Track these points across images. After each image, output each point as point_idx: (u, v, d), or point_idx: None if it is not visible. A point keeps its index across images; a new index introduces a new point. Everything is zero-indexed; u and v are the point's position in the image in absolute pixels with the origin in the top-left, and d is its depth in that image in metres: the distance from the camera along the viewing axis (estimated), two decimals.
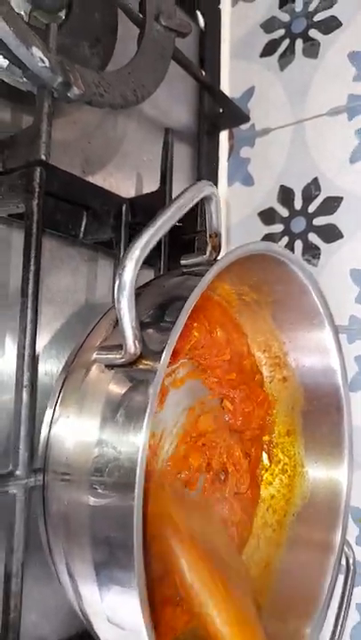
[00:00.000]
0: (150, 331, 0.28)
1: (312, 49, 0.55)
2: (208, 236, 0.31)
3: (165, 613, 0.35)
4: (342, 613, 0.42)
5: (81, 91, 0.30)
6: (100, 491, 0.26)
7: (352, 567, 0.43)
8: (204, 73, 0.53)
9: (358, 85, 0.52)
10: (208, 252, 0.32)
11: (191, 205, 0.28)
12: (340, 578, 0.42)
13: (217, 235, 0.31)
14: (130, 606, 0.25)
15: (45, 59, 0.28)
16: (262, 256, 0.36)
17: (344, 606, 0.42)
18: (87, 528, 0.27)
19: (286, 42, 0.57)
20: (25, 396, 0.29)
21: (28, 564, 0.33)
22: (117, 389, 0.27)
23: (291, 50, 0.57)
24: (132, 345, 0.25)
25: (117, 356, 0.26)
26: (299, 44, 0.56)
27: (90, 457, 0.27)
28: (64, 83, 0.29)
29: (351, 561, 0.43)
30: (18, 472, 0.28)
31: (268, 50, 0.58)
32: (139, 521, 0.24)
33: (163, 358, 0.24)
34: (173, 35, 0.38)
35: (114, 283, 0.24)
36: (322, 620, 0.39)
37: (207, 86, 0.50)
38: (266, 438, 0.48)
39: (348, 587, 0.42)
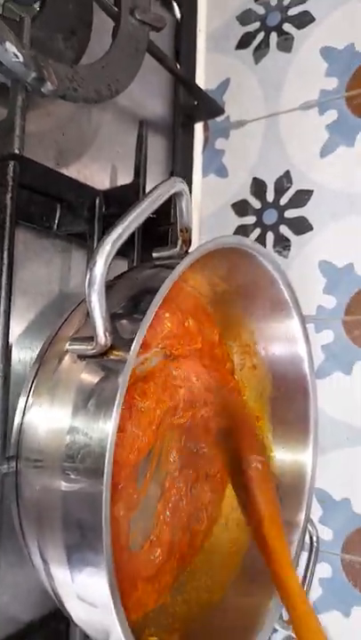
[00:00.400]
0: (122, 322, 0.29)
1: (286, 43, 0.56)
2: (179, 230, 0.32)
3: (137, 589, 0.36)
4: (306, 586, 0.44)
5: (54, 86, 0.30)
6: (71, 476, 0.27)
7: (315, 544, 0.45)
8: (179, 65, 0.54)
9: (330, 80, 0.53)
10: (179, 246, 0.33)
11: (162, 201, 0.29)
12: (304, 555, 0.44)
13: (187, 229, 0.32)
14: (99, 586, 0.26)
15: (19, 54, 0.29)
16: (233, 249, 0.37)
17: (308, 580, 0.44)
18: (59, 512, 0.28)
19: (261, 35, 0.58)
20: None
21: (1, 549, 0.35)
22: (89, 379, 0.28)
23: (266, 43, 0.57)
24: (102, 337, 0.26)
25: (89, 347, 0.27)
26: (273, 37, 0.57)
27: (62, 444, 0.28)
28: (37, 78, 0.29)
29: (315, 538, 0.45)
30: None
31: (244, 42, 0.59)
32: (107, 505, 0.25)
33: (132, 349, 0.26)
34: (148, 29, 0.39)
35: (85, 277, 0.25)
36: None
37: (182, 79, 0.51)
38: None
39: (311, 562, 0.45)
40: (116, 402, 0.25)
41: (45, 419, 0.30)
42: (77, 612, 0.30)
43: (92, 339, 0.27)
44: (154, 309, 0.27)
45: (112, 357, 0.26)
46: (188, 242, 0.32)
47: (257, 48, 0.58)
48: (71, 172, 0.42)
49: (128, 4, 0.37)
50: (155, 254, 0.34)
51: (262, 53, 0.57)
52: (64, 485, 0.28)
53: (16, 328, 0.38)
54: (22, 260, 0.38)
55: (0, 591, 0.36)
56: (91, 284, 0.24)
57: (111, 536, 0.26)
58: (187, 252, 0.33)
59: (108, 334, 0.26)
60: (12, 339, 0.37)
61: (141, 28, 0.38)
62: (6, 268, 0.30)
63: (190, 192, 0.56)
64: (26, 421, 0.31)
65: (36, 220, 0.37)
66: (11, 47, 0.28)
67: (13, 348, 0.37)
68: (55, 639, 0.37)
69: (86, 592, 0.28)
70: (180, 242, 0.32)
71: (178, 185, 0.29)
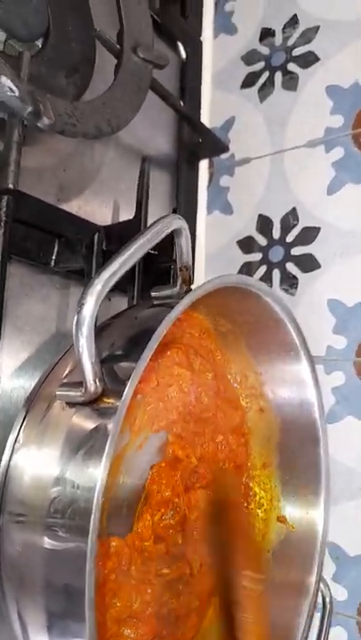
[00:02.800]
0: (118, 364, 0.27)
1: (291, 82, 0.56)
2: (179, 268, 0.30)
3: None
4: None
5: (51, 120, 0.29)
6: (56, 533, 0.25)
7: (328, 606, 0.42)
8: (183, 103, 0.54)
9: (335, 118, 0.52)
10: (179, 285, 0.31)
11: (160, 238, 0.27)
12: (317, 617, 0.41)
13: (187, 268, 0.30)
14: None
15: (15, 88, 0.28)
16: (235, 288, 0.36)
17: None
18: (40, 574, 0.25)
19: (266, 74, 0.58)
20: None
21: None
22: (78, 427, 0.26)
23: (271, 82, 0.57)
24: (91, 383, 0.24)
25: (78, 394, 0.25)
26: (278, 76, 0.57)
27: (48, 497, 0.26)
28: (34, 112, 0.29)
29: (328, 600, 0.42)
30: None
31: (249, 81, 0.59)
32: (92, 566, 0.22)
33: (124, 395, 0.23)
34: (151, 66, 0.39)
35: (73, 318, 0.23)
36: None
37: (186, 116, 0.50)
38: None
39: (324, 626, 0.41)
40: (105, 453, 0.23)
41: (32, 468, 0.28)
42: None
43: (81, 384, 0.25)
44: (149, 353, 0.26)
45: (102, 406, 0.24)
46: (188, 280, 0.31)
47: (262, 87, 0.58)
48: (72, 207, 0.41)
49: (131, 43, 0.37)
50: (153, 293, 0.32)
51: (267, 92, 0.57)
52: (48, 543, 0.25)
53: (9, 367, 0.36)
54: (18, 296, 0.36)
55: None
56: (79, 325, 0.22)
57: (100, 601, 0.23)
58: (187, 291, 0.32)
59: (98, 380, 0.24)
60: (3, 378, 0.36)
61: (144, 65, 0.38)
62: None
63: (195, 229, 0.56)
64: (11, 470, 0.29)
65: (32, 255, 0.36)
66: (6, 81, 0.27)
67: (5, 388, 0.35)
68: None
69: None
70: (179, 280, 0.31)
71: (176, 222, 0.28)
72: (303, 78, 0.55)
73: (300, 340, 0.41)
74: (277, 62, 0.57)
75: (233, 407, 0.45)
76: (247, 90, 0.59)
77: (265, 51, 0.59)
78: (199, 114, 0.57)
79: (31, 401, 0.31)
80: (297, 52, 0.56)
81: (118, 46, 0.38)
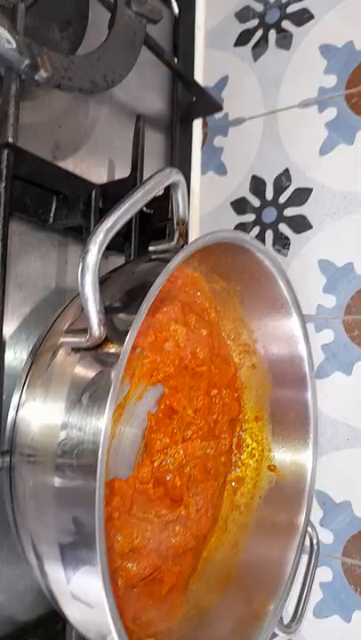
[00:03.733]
0: (117, 315, 0.28)
1: (285, 40, 0.56)
2: (175, 223, 0.31)
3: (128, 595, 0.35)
4: (306, 590, 0.43)
5: (48, 74, 0.30)
6: (65, 472, 0.27)
7: (315, 547, 0.44)
8: (177, 60, 0.53)
9: (329, 78, 0.52)
10: (175, 239, 0.32)
11: (157, 191, 0.28)
12: (304, 558, 0.43)
13: (184, 222, 0.31)
14: (94, 584, 0.26)
15: (12, 40, 0.28)
16: (231, 244, 0.37)
17: (308, 584, 0.43)
18: (53, 509, 0.27)
19: (260, 32, 0.57)
20: None
21: None
22: (83, 373, 0.27)
23: (264, 40, 0.57)
24: (96, 328, 0.25)
25: (83, 340, 0.26)
26: (272, 34, 0.56)
27: (55, 440, 0.27)
28: (31, 65, 0.29)
29: (315, 541, 0.44)
30: None
31: (243, 39, 0.58)
32: (101, 502, 0.24)
33: (126, 342, 0.25)
34: (145, 21, 0.38)
35: (78, 267, 0.24)
36: (285, 597, 0.40)
37: (180, 74, 0.50)
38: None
39: (311, 565, 0.44)
40: (109, 398, 0.25)
41: (39, 414, 0.29)
42: (72, 611, 0.29)
43: (86, 331, 0.26)
44: (148, 303, 0.27)
45: (106, 350, 0.26)
46: (184, 235, 0.32)
47: (256, 45, 0.57)
48: (68, 165, 0.41)
49: None
50: (151, 247, 0.33)
51: (261, 50, 0.57)
52: (57, 481, 0.27)
53: (11, 323, 0.37)
54: (18, 253, 0.37)
55: None
56: (84, 273, 0.23)
57: (106, 535, 0.25)
58: (183, 245, 0.33)
59: (102, 326, 0.25)
60: (6, 333, 0.37)
61: (138, 19, 0.38)
62: (0, 257, 0.29)
63: (188, 189, 0.56)
64: (20, 416, 0.30)
65: (31, 212, 0.36)
66: (4, 33, 0.27)
67: (8, 343, 0.36)
68: (51, 639, 0.36)
69: (80, 591, 0.27)
70: (176, 235, 0.32)
71: (174, 175, 0.28)
72: (297, 37, 0.55)
73: (291, 296, 0.42)
74: (271, 20, 0.57)
75: (226, 363, 0.47)
76: (241, 48, 0.58)
77: (259, 7, 0.58)
78: (193, 72, 0.57)
79: (35, 352, 0.32)
80: (291, 8, 0.55)
81: (112, 0, 0.38)
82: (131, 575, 0.34)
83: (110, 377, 0.25)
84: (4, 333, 0.31)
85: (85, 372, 0.27)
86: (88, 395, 0.26)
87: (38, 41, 0.31)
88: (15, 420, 0.30)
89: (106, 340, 0.26)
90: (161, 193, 0.42)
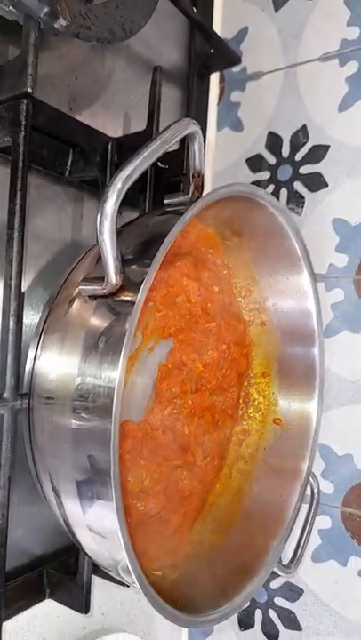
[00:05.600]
0: (132, 266, 0.29)
1: None
2: (191, 175, 0.31)
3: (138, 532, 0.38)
4: (305, 535, 0.46)
5: (67, 22, 0.29)
6: (82, 414, 0.28)
7: (316, 496, 0.46)
8: (195, 10, 0.52)
9: (352, 30, 0.51)
10: (191, 192, 0.33)
11: (174, 141, 0.28)
12: (305, 506, 0.46)
13: (199, 174, 0.31)
14: (108, 517, 0.28)
15: None
16: (245, 199, 0.37)
17: (307, 529, 0.46)
18: (70, 447, 0.29)
19: None
20: (12, 324, 0.30)
21: (17, 488, 0.36)
22: (99, 319, 0.28)
23: None
24: (113, 276, 0.26)
25: (99, 287, 0.27)
26: None
27: (72, 383, 0.29)
28: (50, 12, 0.29)
29: (315, 490, 0.46)
30: (5, 395, 0.30)
31: None
32: (115, 441, 0.26)
33: (141, 290, 0.26)
34: None
35: (96, 214, 0.25)
36: (286, 536, 0.42)
37: (198, 24, 0.49)
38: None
39: (311, 512, 0.46)
40: (124, 345, 0.26)
41: (57, 359, 0.31)
42: (88, 542, 0.32)
43: (102, 279, 0.27)
44: (163, 253, 0.28)
45: (122, 298, 0.27)
46: (200, 187, 0.32)
47: None
48: (84, 117, 0.41)
49: None
50: (166, 200, 0.34)
51: (283, 0, 0.55)
52: (74, 423, 0.29)
53: (29, 274, 0.38)
54: (35, 206, 0.38)
55: (15, 525, 0.37)
56: (102, 220, 0.24)
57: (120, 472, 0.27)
58: (198, 197, 0.33)
59: (119, 274, 0.26)
60: (24, 285, 0.38)
61: None
62: (19, 207, 0.30)
63: (204, 145, 0.56)
64: (38, 361, 0.32)
65: (48, 164, 0.37)
66: None
67: (27, 294, 0.37)
68: (65, 570, 0.39)
69: (95, 523, 0.30)
70: (191, 187, 0.32)
71: (191, 126, 0.29)
72: None
73: (303, 252, 0.43)
74: None
75: (236, 320, 0.48)
76: None
77: None
78: (211, 22, 0.55)
79: (52, 302, 0.33)
80: None
81: None
82: (139, 513, 0.37)
83: (125, 324, 0.26)
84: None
85: (101, 320, 0.28)
86: (104, 340, 0.27)
87: None
88: (34, 365, 0.31)
89: (122, 289, 0.27)
90: (177, 147, 0.42)
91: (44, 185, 0.38)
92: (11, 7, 0.30)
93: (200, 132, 0.29)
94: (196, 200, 0.33)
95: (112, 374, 0.26)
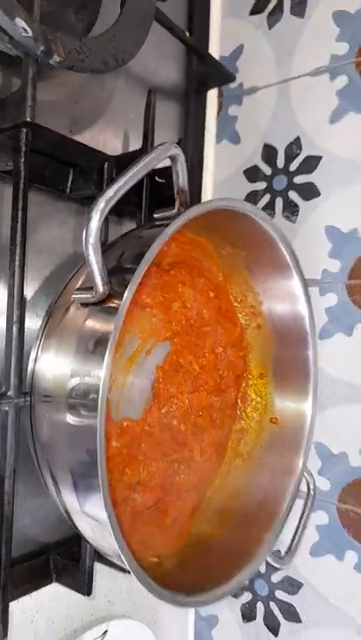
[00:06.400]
0: (121, 275, 0.32)
1: (299, 7, 0.56)
2: (176, 192, 0.34)
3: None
4: (300, 529, 0.48)
5: (62, 58, 0.33)
6: (75, 411, 0.31)
7: (312, 492, 0.48)
8: (192, 31, 0.55)
9: (341, 46, 0.53)
10: (177, 208, 0.36)
11: (156, 164, 0.31)
12: (302, 502, 0.48)
13: (183, 191, 0.34)
14: (100, 505, 0.31)
15: (28, 29, 0.31)
16: (230, 211, 0.40)
17: (302, 524, 0.48)
18: (65, 441, 0.32)
19: None
20: (15, 330, 0.34)
21: (23, 481, 0.39)
22: (90, 324, 0.31)
23: (279, 8, 0.58)
24: (100, 286, 0.29)
25: (89, 296, 0.30)
26: (287, 1, 0.57)
27: (66, 382, 0.32)
28: (46, 51, 0.32)
29: (311, 487, 0.48)
30: (9, 393, 0.34)
31: (258, 7, 0.59)
32: (101, 435, 0.29)
33: (125, 297, 0.29)
34: None
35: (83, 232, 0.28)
36: (280, 529, 0.45)
37: (192, 48, 0.52)
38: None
39: (306, 508, 0.48)
40: (109, 345, 0.29)
41: (54, 361, 0.34)
42: (85, 529, 0.34)
43: (92, 288, 0.30)
44: (146, 264, 0.31)
45: (109, 305, 0.30)
46: (185, 203, 0.35)
47: (271, 13, 0.58)
48: (85, 138, 0.45)
49: None
50: (155, 215, 0.37)
51: (276, 18, 0.58)
52: (69, 418, 0.32)
53: (32, 285, 0.42)
54: (37, 221, 0.41)
55: (22, 515, 0.41)
56: (87, 237, 0.27)
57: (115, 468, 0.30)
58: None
59: (105, 283, 0.29)
60: (28, 294, 0.41)
61: None
62: (20, 225, 0.33)
63: (202, 158, 0.59)
64: (38, 363, 0.35)
65: (49, 183, 0.40)
66: (21, 22, 0.31)
67: (30, 303, 0.41)
68: (69, 556, 0.42)
69: (90, 511, 0.32)
70: (177, 203, 0.35)
71: (172, 149, 0.32)
72: (311, 3, 0.55)
73: (293, 258, 0.45)
74: None
75: (233, 323, 0.51)
76: (256, 17, 0.59)
77: None
78: (207, 43, 0.58)
79: (51, 309, 0.36)
80: None
81: None
82: (137, 504, 0.40)
83: (110, 327, 0.29)
84: (26, 295, 0.35)
85: (92, 323, 0.31)
86: (94, 342, 0.31)
87: (54, 25, 0.34)
88: (34, 366, 0.35)
89: (109, 296, 0.30)
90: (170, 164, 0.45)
91: (47, 202, 0.42)
92: (10, 45, 0.34)
93: (181, 153, 0.32)
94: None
95: (99, 372, 0.29)
